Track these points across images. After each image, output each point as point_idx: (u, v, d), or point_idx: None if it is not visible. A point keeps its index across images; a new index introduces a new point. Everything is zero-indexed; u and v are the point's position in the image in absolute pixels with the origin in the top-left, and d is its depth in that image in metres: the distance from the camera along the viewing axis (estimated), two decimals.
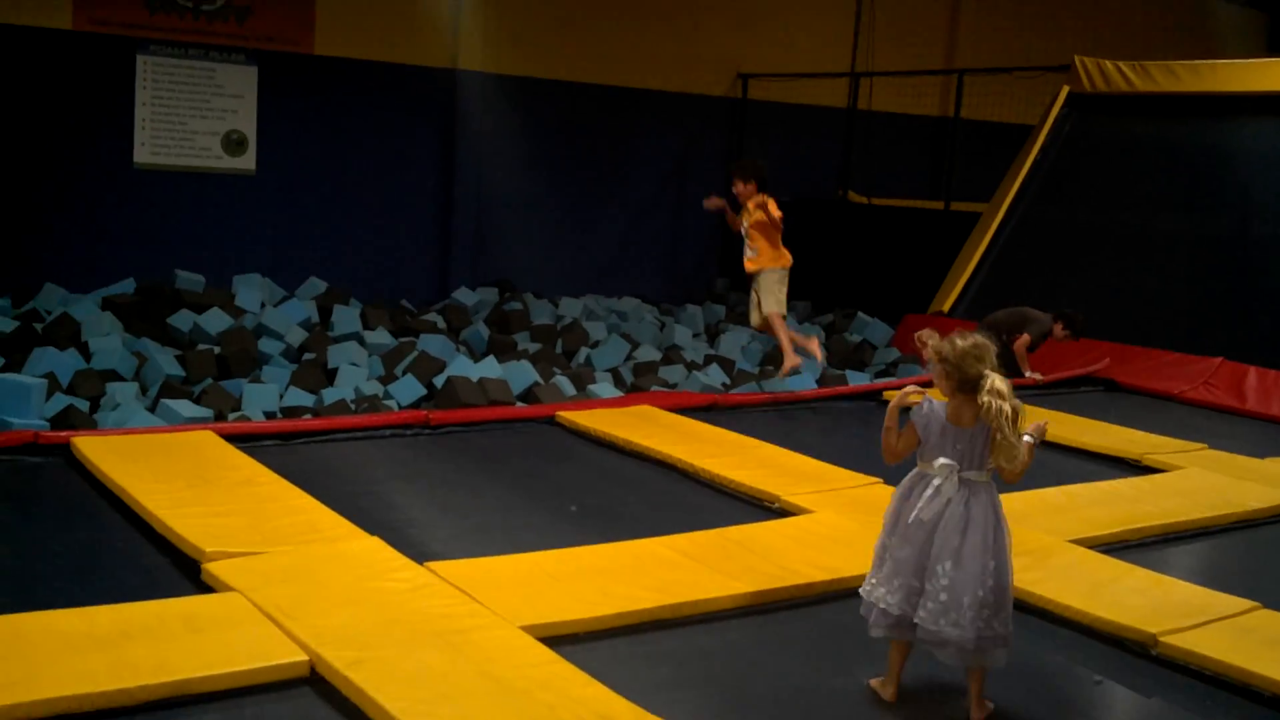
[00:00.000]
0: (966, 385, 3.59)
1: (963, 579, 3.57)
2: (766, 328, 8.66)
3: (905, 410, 3.76)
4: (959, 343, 3.62)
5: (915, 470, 3.73)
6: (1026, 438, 3.65)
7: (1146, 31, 16.67)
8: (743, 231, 8.53)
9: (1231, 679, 4.03)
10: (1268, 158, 10.73)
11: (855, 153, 14.37)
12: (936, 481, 3.63)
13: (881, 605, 3.70)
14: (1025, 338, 9.24)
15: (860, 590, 3.82)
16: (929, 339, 3.71)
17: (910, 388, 3.74)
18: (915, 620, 3.64)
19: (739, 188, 8.42)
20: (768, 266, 8.48)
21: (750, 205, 8.41)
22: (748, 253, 8.55)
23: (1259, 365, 9.34)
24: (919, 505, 3.63)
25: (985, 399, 3.54)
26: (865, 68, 14.58)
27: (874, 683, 3.83)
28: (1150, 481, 6.55)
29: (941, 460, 3.63)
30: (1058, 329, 9.31)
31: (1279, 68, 11.01)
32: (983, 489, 3.65)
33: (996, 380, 3.56)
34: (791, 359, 8.52)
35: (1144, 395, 9.41)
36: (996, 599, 3.59)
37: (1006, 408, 3.54)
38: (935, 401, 3.69)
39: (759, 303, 8.61)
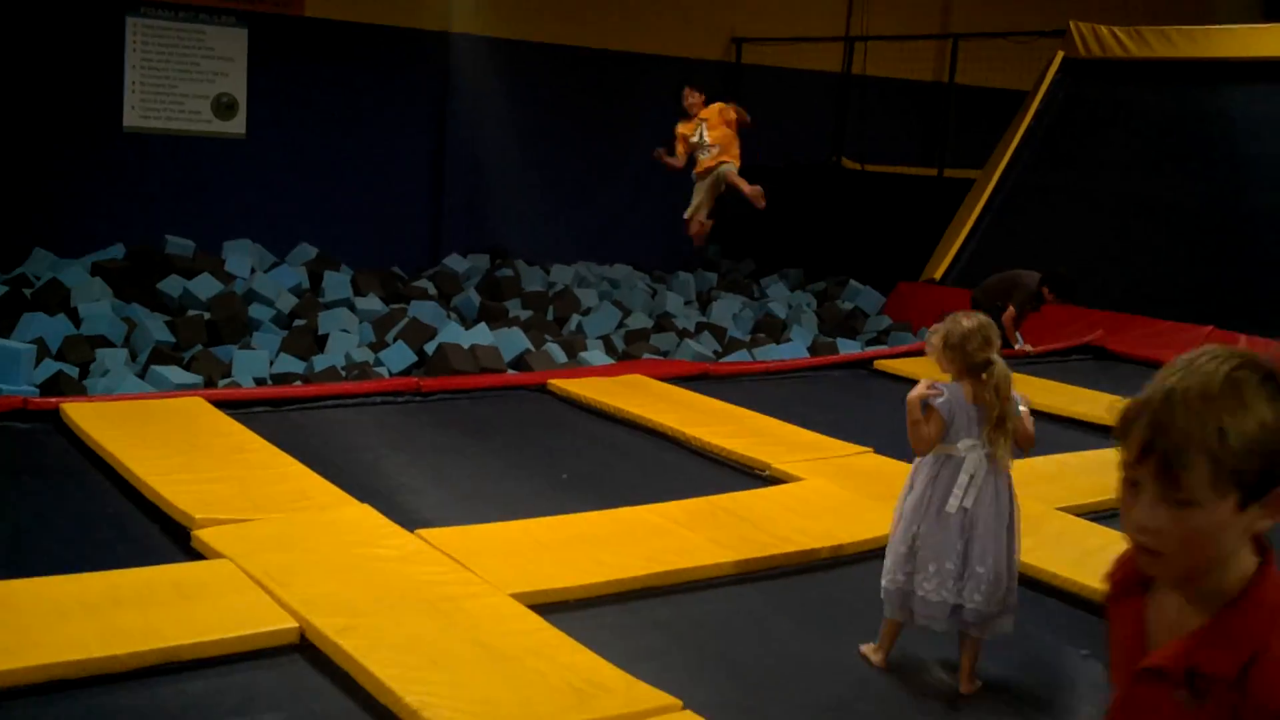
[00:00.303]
0: (974, 369, 3.61)
1: (1000, 556, 3.63)
2: (702, 230, 8.64)
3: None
4: (965, 323, 3.62)
5: (932, 455, 3.70)
6: (1023, 407, 3.68)
7: None
8: (700, 142, 8.56)
9: None
10: (1262, 124, 10.70)
11: (849, 118, 14.31)
12: (969, 466, 3.62)
13: (920, 594, 3.63)
14: (1011, 310, 9.12)
15: (885, 582, 3.74)
16: (934, 337, 3.71)
17: (925, 381, 3.70)
18: (963, 604, 3.60)
19: (693, 99, 8.62)
20: (734, 161, 8.62)
21: (713, 115, 8.56)
22: (709, 153, 8.55)
23: (1249, 333, 9.34)
24: (958, 494, 3.61)
25: (996, 381, 3.59)
26: (860, 32, 14.50)
27: (865, 648, 3.85)
28: None
29: (967, 440, 3.64)
30: (1045, 293, 9.19)
31: (1275, 33, 10.96)
32: (1000, 466, 3.67)
33: (1003, 365, 3.61)
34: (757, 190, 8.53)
35: (1135, 363, 9.42)
36: (1013, 572, 3.68)
37: (1015, 394, 3.63)
38: (950, 385, 3.68)
39: (713, 187, 8.62)
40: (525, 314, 10.61)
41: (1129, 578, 1.60)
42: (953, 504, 3.61)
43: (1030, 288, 9.05)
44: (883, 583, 3.76)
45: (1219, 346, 1.45)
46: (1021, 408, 3.69)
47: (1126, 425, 1.45)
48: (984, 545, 3.61)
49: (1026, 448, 3.74)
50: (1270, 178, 10.44)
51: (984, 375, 3.59)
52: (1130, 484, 1.44)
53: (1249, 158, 10.68)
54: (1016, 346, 9.18)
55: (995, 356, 3.59)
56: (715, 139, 8.67)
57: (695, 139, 8.67)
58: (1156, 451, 1.40)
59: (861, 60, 14.28)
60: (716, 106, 8.69)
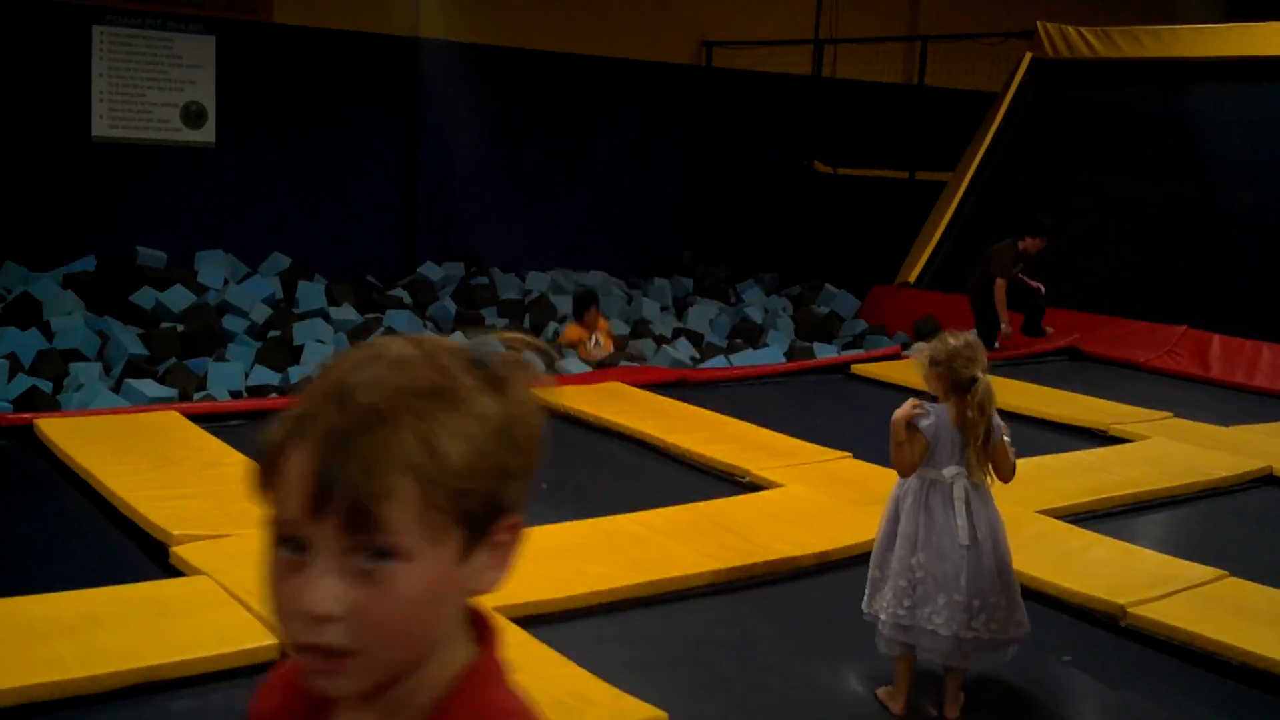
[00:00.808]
0: (959, 387, 3.58)
1: (1010, 580, 3.63)
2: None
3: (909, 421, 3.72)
4: (951, 342, 3.60)
5: (916, 478, 3.62)
6: (1005, 436, 3.67)
7: None
8: (596, 347, 9.42)
9: (1199, 649, 4.07)
10: (1230, 123, 10.79)
11: (820, 121, 14.35)
12: (959, 494, 3.57)
13: (930, 628, 3.50)
14: (1000, 282, 9.10)
15: (883, 618, 3.59)
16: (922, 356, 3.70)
17: (911, 401, 3.64)
18: (975, 635, 3.52)
19: (598, 320, 9.70)
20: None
21: (604, 329, 9.71)
22: (601, 351, 9.37)
23: (1222, 333, 9.42)
24: (961, 524, 3.55)
25: (981, 398, 3.55)
26: (829, 35, 14.55)
27: (881, 694, 3.71)
28: (1116, 451, 6.60)
29: (952, 467, 3.60)
30: (1029, 243, 9.16)
31: (1241, 33, 11.05)
32: (985, 488, 3.65)
33: (988, 382, 3.57)
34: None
35: (1109, 364, 9.48)
36: (1017, 595, 3.68)
37: (998, 418, 3.61)
38: (936, 406, 3.63)
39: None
40: (501, 322, 10.57)
41: (287, 709, 1.05)
42: (963, 536, 3.52)
43: (1008, 249, 9.06)
44: (881, 619, 3.60)
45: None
46: (1005, 436, 3.66)
47: (272, 460, 0.95)
48: (991, 572, 3.55)
49: (1006, 479, 3.68)
50: (1240, 177, 10.52)
51: (969, 393, 3.57)
52: (285, 557, 0.94)
53: (1218, 157, 10.76)
54: (1002, 327, 9.15)
55: (980, 374, 3.56)
56: (606, 347, 9.54)
57: (591, 346, 9.48)
58: (336, 486, 0.90)
59: (831, 63, 14.32)
60: (605, 324, 9.93)
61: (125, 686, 3.38)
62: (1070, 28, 11.97)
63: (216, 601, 3.84)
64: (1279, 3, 13.65)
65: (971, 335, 3.68)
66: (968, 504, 3.57)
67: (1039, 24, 12.14)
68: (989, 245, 9.61)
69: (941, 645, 3.51)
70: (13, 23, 10.56)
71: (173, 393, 7.83)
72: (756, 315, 11.67)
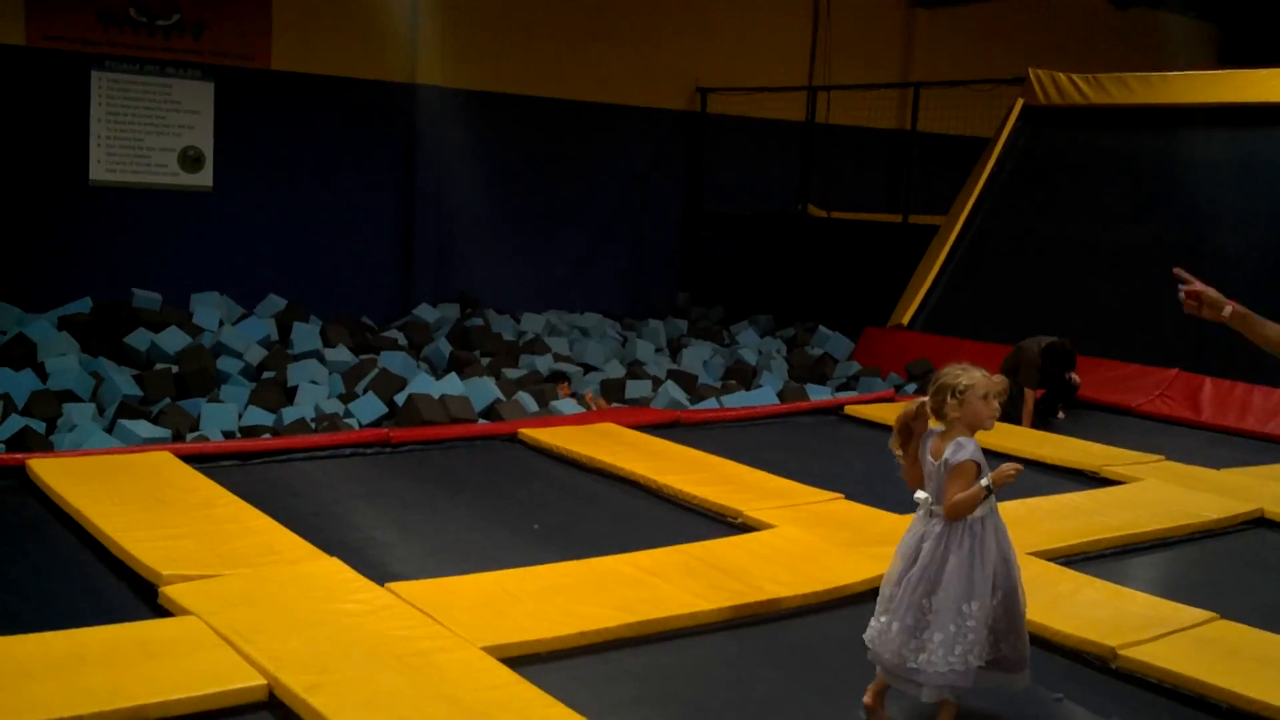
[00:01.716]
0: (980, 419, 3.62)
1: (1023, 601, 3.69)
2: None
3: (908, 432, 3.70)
4: (959, 373, 3.61)
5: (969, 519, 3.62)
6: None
7: (1100, 44, 16.86)
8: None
9: (1190, 691, 4.06)
10: (1220, 168, 10.85)
11: (814, 166, 14.45)
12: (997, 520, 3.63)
13: (980, 664, 3.56)
14: (1029, 393, 8.90)
15: (973, 662, 3.54)
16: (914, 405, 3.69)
17: (1015, 466, 3.59)
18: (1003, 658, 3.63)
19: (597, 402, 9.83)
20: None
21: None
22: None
23: (1214, 376, 9.44)
24: (1009, 552, 3.64)
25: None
26: (822, 82, 14.67)
27: None
28: (1108, 493, 6.61)
29: (920, 493, 3.65)
30: (1046, 366, 8.97)
31: (1230, 79, 11.15)
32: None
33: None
34: None
35: (1101, 408, 9.49)
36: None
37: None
38: (967, 440, 3.59)
39: None
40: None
41: None
42: (1016, 568, 3.64)
43: (1033, 360, 8.90)
44: (960, 669, 3.53)
45: None
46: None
47: None
48: (1017, 595, 3.65)
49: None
50: (1230, 220, 10.57)
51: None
52: None
53: (1209, 201, 10.81)
54: (1024, 424, 8.85)
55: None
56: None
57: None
58: None
59: (825, 109, 14.44)
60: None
61: None
62: (1061, 74, 12.08)
63: (205, 642, 3.82)
64: (1268, 49, 13.79)
65: (969, 365, 3.68)
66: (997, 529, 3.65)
67: (1030, 70, 12.25)
68: (986, 298, 9.46)
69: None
70: (13, 67, 10.64)
71: (166, 433, 7.84)
72: (750, 357, 11.69)
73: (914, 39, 16.40)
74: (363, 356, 10.22)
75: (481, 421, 8.62)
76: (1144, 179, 11.31)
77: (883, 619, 3.63)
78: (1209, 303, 3.74)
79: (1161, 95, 11.35)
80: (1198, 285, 3.74)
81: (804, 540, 5.31)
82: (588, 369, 11.02)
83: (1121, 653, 4.25)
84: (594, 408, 9.38)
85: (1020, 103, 12.32)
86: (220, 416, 8.36)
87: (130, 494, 5.30)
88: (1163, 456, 7.50)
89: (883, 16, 15.99)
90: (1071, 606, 4.65)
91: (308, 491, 5.90)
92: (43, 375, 8.75)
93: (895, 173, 15.26)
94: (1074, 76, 12.00)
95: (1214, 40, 19.41)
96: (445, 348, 10.81)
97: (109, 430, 7.91)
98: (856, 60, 14.98)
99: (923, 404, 3.63)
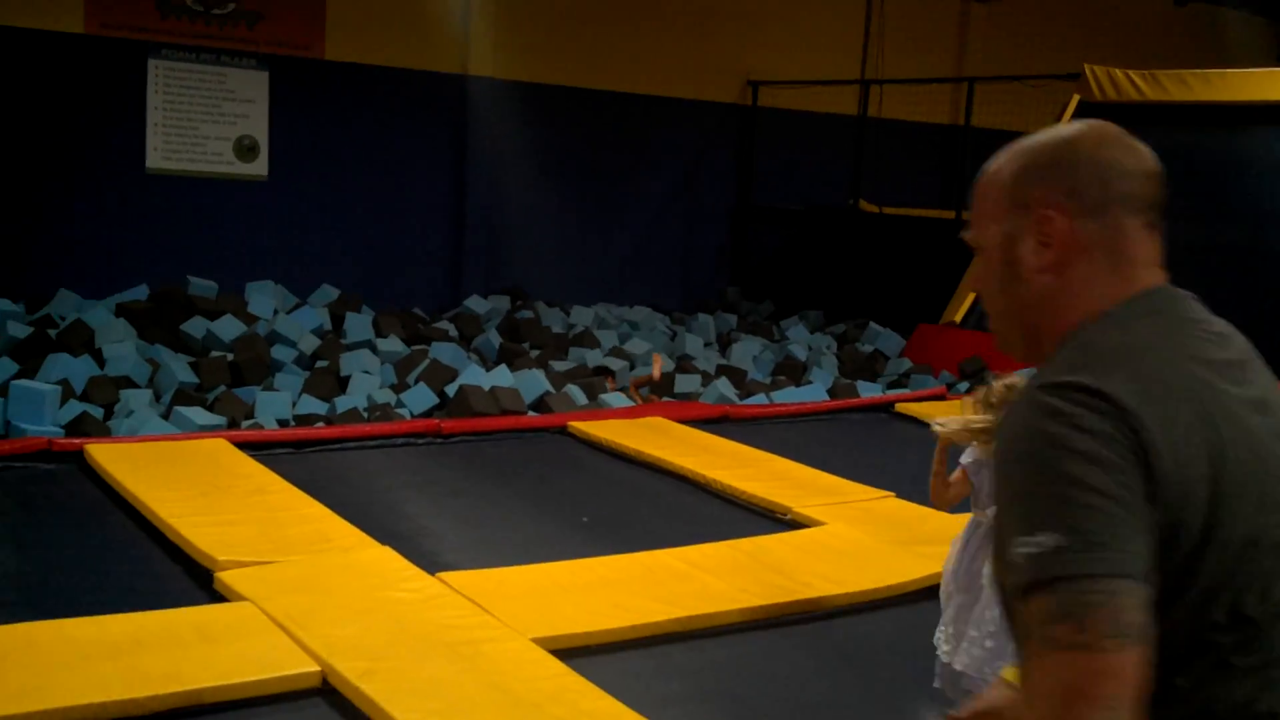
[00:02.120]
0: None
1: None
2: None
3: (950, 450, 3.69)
4: (998, 384, 3.54)
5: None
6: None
7: (1157, 40, 16.65)
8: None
9: None
10: (1279, 167, 10.70)
11: (866, 161, 14.36)
12: None
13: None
14: None
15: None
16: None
17: (941, 420, 3.60)
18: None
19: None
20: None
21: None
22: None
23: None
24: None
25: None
26: (875, 75, 14.58)
27: None
28: None
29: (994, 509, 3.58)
30: None
31: None
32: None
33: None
34: None
35: None
36: None
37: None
38: (979, 449, 3.57)
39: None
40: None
41: None
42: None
43: None
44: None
45: None
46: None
47: None
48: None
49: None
50: None
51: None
52: None
53: (1266, 200, 10.67)
54: None
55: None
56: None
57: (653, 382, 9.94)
58: None
59: (878, 103, 14.34)
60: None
61: (167, 710, 3.42)
62: (1118, 71, 11.93)
63: (259, 628, 3.87)
64: None
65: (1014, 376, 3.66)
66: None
67: (1087, 66, 12.11)
68: None
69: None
70: (71, 56, 10.79)
71: (221, 420, 7.92)
72: (800, 353, 11.65)
73: (969, 32, 16.25)
74: (414, 347, 10.28)
75: (531, 414, 8.65)
76: (1201, 177, 11.16)
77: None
78: None
79: (1220, 93, 11.19)
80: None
81: (854, 538, 5.29)
82: (633, 364, 11.01)
83: None
84: (640, 399, 9.39)
85: (1076, 99, 12.18)
86: (274, 404, 8.44)
87: (186, 480, 5.37)
88: None
89: (938, 9, 15.85)
90: None
91: (360, 480, 5.95)
92: (100, 361, 8.87)
93: (948, 168, 15.12)
94: (1131, 73, 11.85)
95: (1274, 37, 19.11)
96: (495, 339, 10.85)
97: (165, 416, 8.01)
98: (910, 53, 14.86)
99: (1013, 383, 3.48)
